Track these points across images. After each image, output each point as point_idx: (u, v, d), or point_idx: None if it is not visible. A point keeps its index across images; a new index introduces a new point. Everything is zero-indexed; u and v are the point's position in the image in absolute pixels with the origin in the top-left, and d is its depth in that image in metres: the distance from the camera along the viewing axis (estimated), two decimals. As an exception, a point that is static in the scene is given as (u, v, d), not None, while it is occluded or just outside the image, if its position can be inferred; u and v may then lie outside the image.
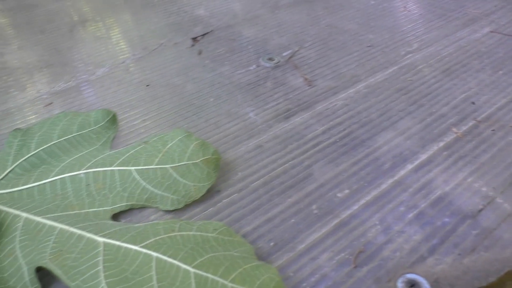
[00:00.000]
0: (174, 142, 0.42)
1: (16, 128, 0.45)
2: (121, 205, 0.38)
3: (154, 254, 0.32)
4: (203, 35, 0.63)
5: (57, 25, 0.65)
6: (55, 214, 0.37)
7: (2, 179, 0.40)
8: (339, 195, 0.39)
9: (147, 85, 0.53)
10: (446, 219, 0.37)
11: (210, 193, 0.40)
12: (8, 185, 0.39)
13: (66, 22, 0.66)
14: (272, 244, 0.36)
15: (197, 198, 0.39)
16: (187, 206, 0.39)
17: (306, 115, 0.48)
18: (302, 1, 0.71)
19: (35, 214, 0.36)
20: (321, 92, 0.52)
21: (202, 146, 0.41)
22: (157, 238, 0.33)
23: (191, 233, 0.34)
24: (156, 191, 0.39)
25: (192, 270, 0.31)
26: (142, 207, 0.39)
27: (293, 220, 0.38)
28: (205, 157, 0.41)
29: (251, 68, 0.56)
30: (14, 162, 0.41)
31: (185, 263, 0.31)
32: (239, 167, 0.43)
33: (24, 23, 0.66)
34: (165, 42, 0.61)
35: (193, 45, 0.61)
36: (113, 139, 0.46)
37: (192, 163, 0.40)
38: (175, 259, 0.31)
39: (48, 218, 0.36)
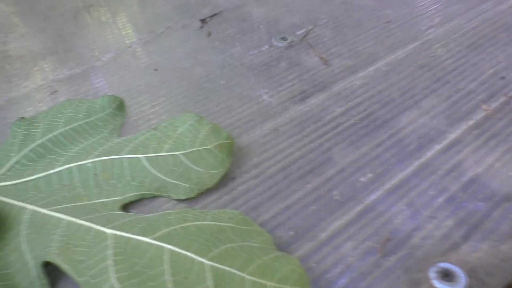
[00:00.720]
0: (184, 127, 0.39)
1: (20, 118, 0.43)
2: (130, 195, 0.36)
3: (166, 246, 0.30)
4: (212, 16, 0.60)
5: (61, 11, 0.63)
6: (62, 206, 0.35)
7: (8, 170, 0.38)
8: (361, 179, 0.37)
9: (155, 70, 0.51)
10: (480, 203, 0.34)
11: (224, 180, 0.38)
12: (13, 176, 0.37)
13: (70, 8, 0.64)
14: (292, 233, 0.33)
15: (210, 186, 0.36)
16: (200, 195, 0.36)
17: (323, 96, 0.46)
18: (315, -22, 0.67)
19: (42, 206, 0.34)
20: (338, 71, 0.49)
21: (215, 130, 0.39)
22: (169, 229, 0.31)
23: (205, 222, 0.32)
24: (167, 179, 0.37)
25: (207, 262, 0.28)
26: (153, 197, 0.37)
27: (313, 207, 0.35)
28: (218, 142, 0.38)
29: (263, 48, 0.53)
30: (19, 152, 0.40)
31: (200, 255, 0.29)
32: (254, 152, 0.40)
33: (27, 10, 0.64)
34: (172, 25, 0.59)
35: (201, 27, 0.58)
36: (121, 126, 0.44)
37: (205, 149, 0.38)
38: (188, 251, 0.29)
39: (55, 210, 0.34)
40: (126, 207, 0.36)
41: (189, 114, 0.40)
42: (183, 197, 0.36)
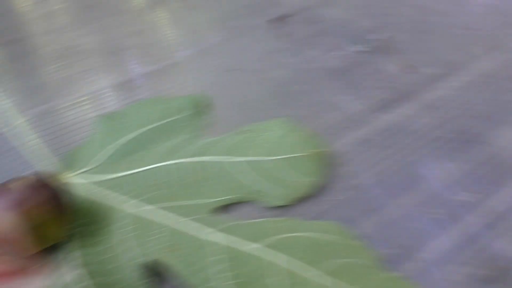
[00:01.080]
0: (278, 132, 0.38)
1: (101, 114, 0.43)
2: (225, 198, 0.35)
3: (282, 255, 0.29)
4: (283, 17, 0.59)
5: (131, 6, 0.63)
6: (165, 204, 0.34)
7: (100, 164, 0.38)
8: (460, 197, 0.35)
9: (232, 70, 0.50)
10: None
11: (319, 189, 0.36)
12: (109, 170, 0.37)
13: (140, 3, 0.63)
14: (394, 251, 0.32)
15: (306, 194, 0.35)
16: (294, 203, 0.35)
17: (411, 105, 0.44)
18: (385, -20, 0.66)
19: (145, 202, 0.34)
20: (424, 80, 0.47)
21: (311, 137, 0.38)
22: (279, 237, 0.30)
23: (314, 234, 0.31)
24: (261, 184, 0.36)
25: (326, 276, 0.27)
26: (246, 201, 0.36)
27: (415, 225, 0.34)
28: (314, 150, 0.37)
29: (340, 52, 0.52)
30: (107, 147, 0.39)
31: (318, 268, 0.28)
32: (347, 162, 0.39)
33: (99, 4, 0.64)
34: (243, 24, 0.58)
35: (273, 28, 0.57)
36: (206, 127, 0.43)
37: (300, 156, 0.37)
38: (304, 261, 0.28)
39: (160, 208, 0.33)
40: (218, 210, 0.35)
41: (282, 119, 0.39)
42: (278, 204, 0.35)
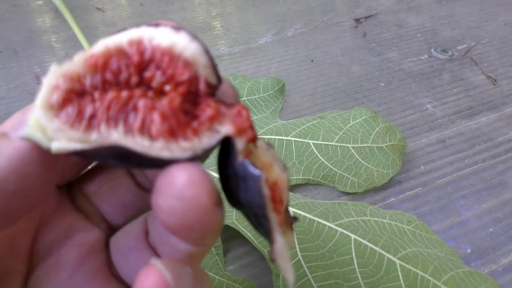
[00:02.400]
0: (357, 121, 0.39)
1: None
2: (297, 177, 0.36)
3: (352, 235, 0.29)
4: (366, 17, 0.59)
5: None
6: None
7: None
8: (545, 210, 0.34)
9: (312, 61, 0.51)
10: None
11: (391, 182, 0.36)
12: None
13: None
14: (468, 250, 0.32)
15: (379, 184, 0.35)
16: (366, 192, 0.36)
17: (492, 116, 0.43)
18: (473, -6, 0.64)
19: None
20: (509, 93, 0.46)
21: (389, 130, 0.38)
22: (350, 219, 0.30)
23: (385, 220, 0.31)
24: (335, 169, 0.36)
25: (397, 261, 0.27)
26: (317, 184, 0.36)
27: (491, 229, 0.33)
28: (391, 143, 0.37)
29: (422, 57, 0.51)
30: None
31: (388, 252, 0.28)
32: (421, 160, 0.39)
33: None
34: (326, 20, 0.58)
35: (356, 26, 0.57)
36: (281, 109, 0.44)
37: (377, 146, 0.37)
38: (376, 245, 0.28)
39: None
40: (290, 189, 0.36)
41: (363, 109, 0.39)
42: (350, 191, 0.35)
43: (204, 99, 0.15)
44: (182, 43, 0.14)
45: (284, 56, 0.51)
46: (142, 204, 0.19)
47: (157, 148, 0.13)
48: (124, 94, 0.14)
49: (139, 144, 0.13)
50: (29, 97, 0.45)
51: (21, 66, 0.48)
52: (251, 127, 0.15)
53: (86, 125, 0.13)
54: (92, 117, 0.13)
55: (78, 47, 0.51)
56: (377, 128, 0.38)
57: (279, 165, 0.15)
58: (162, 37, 0.14)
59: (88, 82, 0.14)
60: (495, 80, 0.48)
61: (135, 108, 0.14)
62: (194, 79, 0.14)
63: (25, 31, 0.54)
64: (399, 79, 0.48)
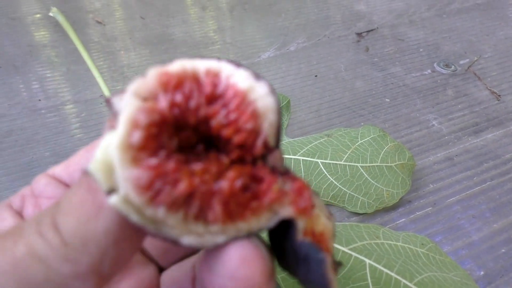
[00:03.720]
0: (365, 139, 0.38)
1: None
2: (307, 198, 0.35)
3: (367, 260, 0.28)
4: (368, 31, 0.59)
5: (218, 4, 0.65)
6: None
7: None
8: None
9: (316, 76, 0.50)
10: None
11: (401, 201, 0.36)
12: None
13: (227, 2, 0.65)
14: (482, 273, 0.31)
15: (389, 205, 0.35)
16: (376, 212, 0.35)
17: (498, 133, 0.43)
18: (472, 8, 0.65)
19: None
20: (509, 108, 0.46)
21: (398, 148, 0.38)
22: (364, 242, 0.30)
23: (398, 243, 0.31)
24: (344, 189, 0.36)
25: (414, 287, 0.27)
26: (327, 204, 0.36)
27: (503, 250, 0.33)
28: (400, 162, 0.37)
29: (425, 72, 0.51)
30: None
31: (404, 278, 0.27)
32: (429, 178, 0.38)
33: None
34: (328, 34, 0.58)
35: (358, 41, 0.57)
36: (287, 126, 0.43)
37: (386, 165, 0.37)
38: (391, 270, 0.28)
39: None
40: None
41: (371, 127, 0.39)
42: (360, 211, 0.35)
43: (262, 169, 0.14)
44: (259, 92, 0.14)
45: (288, 71, 0.51)
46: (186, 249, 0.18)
47: (212, 233, 0.13)
48: (196, 179, 0.13)
49: (193, 231, 0.13)
50: (31, 114, 0.44)
51: (21, 82, 0.48)
52: (313, 206, 0.14)
53: (151, 196, 0.12)
54: (159, 192, 0.12)
55: (80, 62, 0.51)
56: (386, 147, 0.37)
57: (325, 213, 0.15)
58: (240, 78, 0.14)
59: (162, 104, 0.13)
60: (499, 95, 0.48)
61: (195, 196, 0.13)
62: (254, 133, 0.14)
63: (25, 46, 0.53)
64: (403, 94, 0.48)
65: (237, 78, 0.14)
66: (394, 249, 0.30)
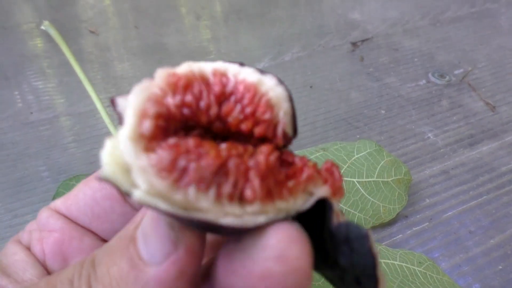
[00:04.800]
0: (361, 154, 0.38)
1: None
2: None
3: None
4: (363, 41, 0.59)
5: (212, 13, 0.64)
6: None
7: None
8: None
9: (311, 87, 0.50)
10: None
11: (397, 216, 0.36)
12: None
13: (221, 11, 0.65)
14: (479, 290, 0.31)
15: (385, 221, 0.35)
16: (372, 227, 0.35)
17: (494, 145, 0.43)
18: (466, 17, 0.65)
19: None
20: (508, 120, 0.46)
21: (394, 163, 0.37)
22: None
23: (396, 262, 0.30)
24: (340, 205, 0.35)
25: (412, 308, 0.27)
26: (323, 220, 0.35)
27: (500, 267, 0.33)
28: (397, 177, 0.37)
29: (420, 83, 0.52)
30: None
31: (403, 299, 0.27)
32: (425, 192, 0.38)
33: (177, 5, 0.66)
34: (323, 43, 0.58)
35: (353, 50, 0.57)
36: (282, 139, 0.43)
37: (382, 181, 0.36)
38: (389, 291, 0.28)
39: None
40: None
41: (366, 141, 0.39)
42: (357, 227, 0.35)
43: (289, 154, 0.14)
44: (269, 83, 0.14)
45: (291, 83, 0.51)
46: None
47: (250, 214, 0.12)
48: (222, 151, 0.12)
49: (230, 213, 0.12)
50: (22, 127, 0.43)
51: (13, 93, 0.47)
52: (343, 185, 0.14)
53: (175, 178, 0.12)
54: (184, 171, 0.12)
55: (72, 74, 0.50)
56: (382, 162, 0.37)
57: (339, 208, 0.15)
58: (248, 74, 0.14)
59: (170, 102, 0.13)
60: (493, 107, 0.48)
61: (226, 172, 0.12)
62: (272, 123, 0.14)
63: (16, 55, 0.53)
64: (399, 106, 0.48)
65: (244, 74, 0.14)
66: (392, 269, 0.30)
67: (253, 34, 0.60)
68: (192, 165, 0.12)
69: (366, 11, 0.66)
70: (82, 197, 0.18)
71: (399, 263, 0.30)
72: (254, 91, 0.14)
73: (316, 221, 0.14)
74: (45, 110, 0.45)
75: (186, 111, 0.13)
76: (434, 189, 0.39)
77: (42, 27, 0.47)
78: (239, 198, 0.12)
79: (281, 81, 0.14)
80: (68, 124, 0.44)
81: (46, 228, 0.18)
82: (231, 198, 0.12)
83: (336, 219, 0.13)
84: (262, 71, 0.14)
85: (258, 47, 0.57)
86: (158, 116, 0.12)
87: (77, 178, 0.35)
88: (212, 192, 0.12)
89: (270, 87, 0.14)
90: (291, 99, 0.14)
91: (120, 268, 0.12)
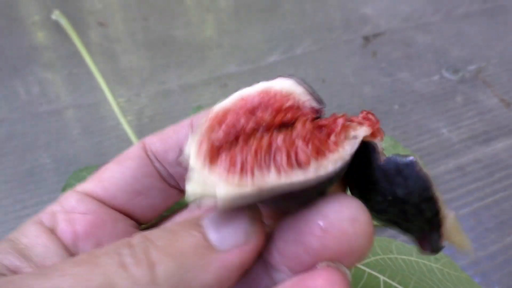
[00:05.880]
0: (376, 149, 0.37)
1: (199, 105, 0.43)
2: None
3: (381, 276, 0.28)
4: (375, 36, 0.58)
5: (222, 6, 0.64)
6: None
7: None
8: None
9: (323, 81, 0.50)
10: None
11: (412, 213, 0.35)
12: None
13: (231, 5, 0.64)
14: (497, 287, 0.30)
15: (400, 216, 0.34)
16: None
17: (509, 142, 0.42)
18: (479, 12, 0.64)
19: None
20: (522, 117, 0.45)
21: (410, 159, 0.37)
22: (377, 257, 0.29)
23: (412, 258, 0.30)
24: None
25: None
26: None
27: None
28: (413, 172, 0.36)
29: (434, 78, 0.51)
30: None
31: (421, 296, 0.27)
32: (440, 188, 0.37)
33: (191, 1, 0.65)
34: (335, 37, 0.57)
35: (365, 45, 0.56)
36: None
37: (397, 176, 0.36)
38: (406, 287, 0.27)
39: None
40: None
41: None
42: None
43: (323, 120, 0.16)
44: (277, 84, 0.17)
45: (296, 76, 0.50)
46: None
47: (312, 172, 0.14)
48: (265, 140, 0.15)
49: (295, 175, 0.14)
50: (32, 118, 0.43)
51: (22, 84, 0.47)
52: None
53: (239, 171, 0.14)
54: (243, 164, 0.14)
55: (81, 65, 0.49)
56: (397, 157, 0.37)
57: None
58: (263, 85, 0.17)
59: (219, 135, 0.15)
60: (508, 103, 0.47)
61: (277, 148, 0.14)
62: (297, 106, 0.16)
63: (25, 47, 0.52)
64: (412, 101, 0.47)
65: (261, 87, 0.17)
66: (408, 265, 0.29)
67: (263, 28, 0.59)
68: (247, 157, 0.14)
69: (377, 6, 0.65)
70: (121, 176, 0.18)
71: (415, 259, 0.30)
72: (268, 97, 0.17)
73: (361, 172, 0.16)
74: (54, 102, 0.45)
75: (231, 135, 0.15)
76: (449, 185, 0.38)
77: (53, 17, 0.46)
78: (298, 165, 0.14)
79: (289, 76, 0.17)
80: (77, 116, 0.43)
81: (76, 211, 0.17)
82: (291, 166, 0.14)
83: (382, 156, 0.15)
84: (273, 79, 0.17)
85: (269, 40, 0.56)
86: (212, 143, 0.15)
87: (88, 169, 0.35)
88: (272, 168, 0.14)
89: (280, 85, 0.17)
90: (302, 82, 0.17)
91: (186, 242, 0.13)
